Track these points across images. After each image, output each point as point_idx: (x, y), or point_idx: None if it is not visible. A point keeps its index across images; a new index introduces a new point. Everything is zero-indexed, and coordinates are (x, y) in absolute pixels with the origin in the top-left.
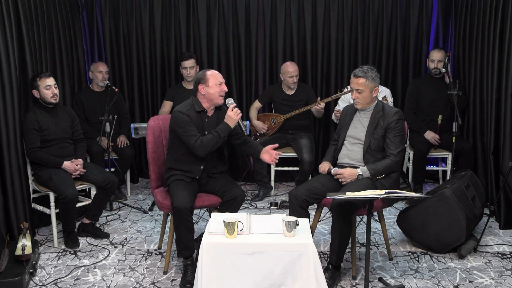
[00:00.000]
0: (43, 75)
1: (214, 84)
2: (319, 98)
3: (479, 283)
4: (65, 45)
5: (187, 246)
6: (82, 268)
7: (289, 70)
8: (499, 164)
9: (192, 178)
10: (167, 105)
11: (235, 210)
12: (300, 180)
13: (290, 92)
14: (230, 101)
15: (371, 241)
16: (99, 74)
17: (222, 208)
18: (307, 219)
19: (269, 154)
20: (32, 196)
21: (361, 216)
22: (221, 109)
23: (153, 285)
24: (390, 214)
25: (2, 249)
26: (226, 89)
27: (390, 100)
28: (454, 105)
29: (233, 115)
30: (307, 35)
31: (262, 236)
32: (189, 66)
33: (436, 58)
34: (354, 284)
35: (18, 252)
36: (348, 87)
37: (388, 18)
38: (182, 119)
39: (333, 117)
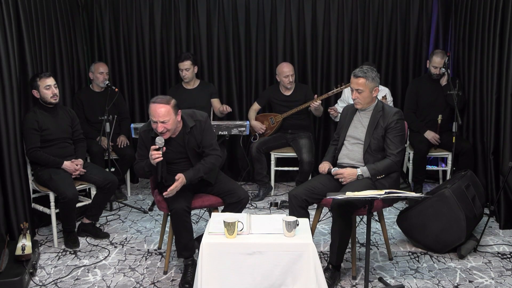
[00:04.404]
0: (43, 75)
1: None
2: (316, 96)
3: (479, 283)
4: (65, 45)
5: (187, 247)
6: (82, 268)
7: (284, 70)
8: (499, 164)
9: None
10: None
11: (239, 211)
12: (300, 180)
13: (288, 93)
14: (159, 141)
15: (371, 241)
16: (100, 75)
17: (226, 210)
18: (307, 219)
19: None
20: (32, 196)
21: (361, 216)
22: (191, 131)
23: (153, 285)
24: (390, 214)
25: (2, 249)
26: (159, 129)
27: (389, 99)
28: (454, 105)
29: (150, 156)
30: (307, 35)
31: (262, 236)
32: (184, 68)
33: (439, 65)
34: (354, 284)
35: (18, 252)
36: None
37: (388, 18)
38: (138, 139)
39: (331, 115)
